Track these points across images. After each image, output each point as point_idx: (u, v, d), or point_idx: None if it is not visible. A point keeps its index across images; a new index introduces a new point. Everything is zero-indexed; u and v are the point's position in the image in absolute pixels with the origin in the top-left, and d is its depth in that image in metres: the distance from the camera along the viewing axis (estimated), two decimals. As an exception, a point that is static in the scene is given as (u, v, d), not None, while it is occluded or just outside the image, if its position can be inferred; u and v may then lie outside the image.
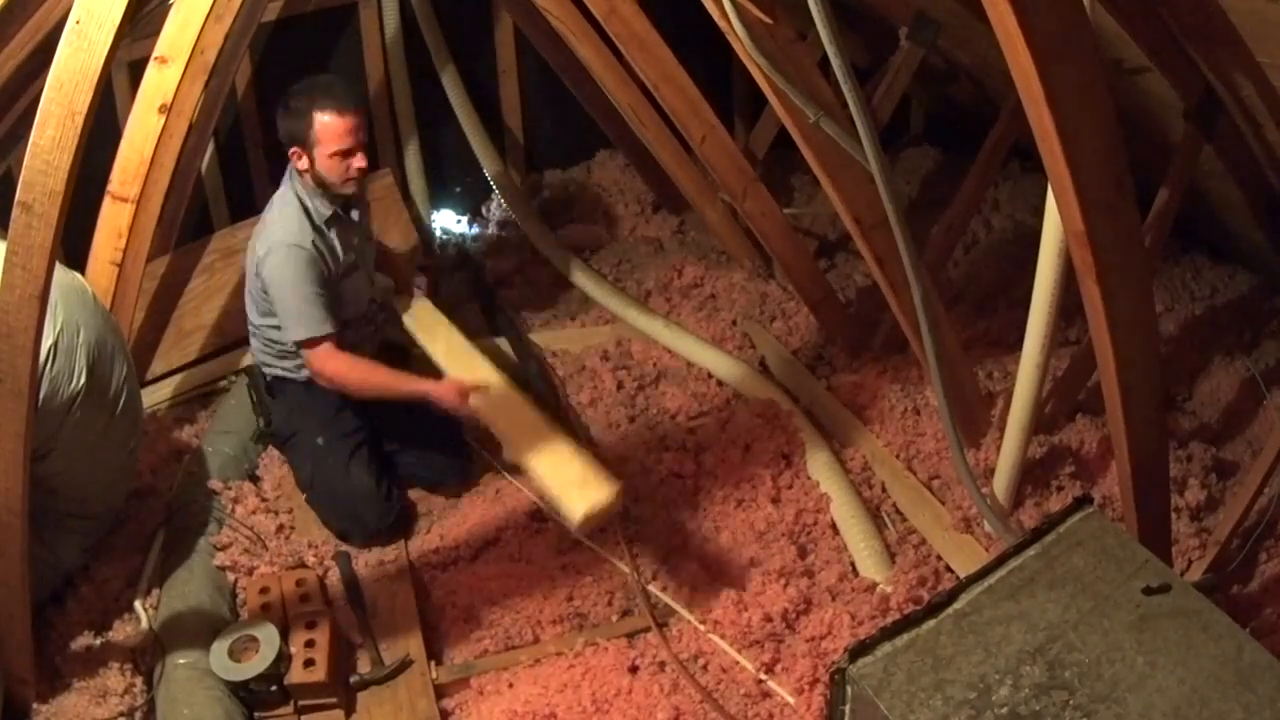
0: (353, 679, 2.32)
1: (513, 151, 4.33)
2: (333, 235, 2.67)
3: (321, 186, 2.61)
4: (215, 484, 2.72)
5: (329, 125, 2.53)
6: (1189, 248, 3.46)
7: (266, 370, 2.84)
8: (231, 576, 2.55)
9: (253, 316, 2.78)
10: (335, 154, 2.55)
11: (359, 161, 2.58)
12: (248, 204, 3.95)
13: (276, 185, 4.01)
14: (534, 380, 3.15)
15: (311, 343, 2.59)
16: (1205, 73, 2.33)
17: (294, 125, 2.56)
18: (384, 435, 2.83)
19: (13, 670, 2.16)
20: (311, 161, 2.57)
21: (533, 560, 2.61)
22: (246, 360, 3.12)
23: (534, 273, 3.84)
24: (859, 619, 2.35)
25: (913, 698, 1.55)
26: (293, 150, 2.59)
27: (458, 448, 2.89)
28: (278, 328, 2.66)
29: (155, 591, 2.47)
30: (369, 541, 2.68)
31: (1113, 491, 2.57)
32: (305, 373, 2.70)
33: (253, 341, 2.84)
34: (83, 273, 2.69)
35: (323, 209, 2.64)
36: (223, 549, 2.58)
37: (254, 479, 2.85)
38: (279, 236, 2.57)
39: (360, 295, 2.80)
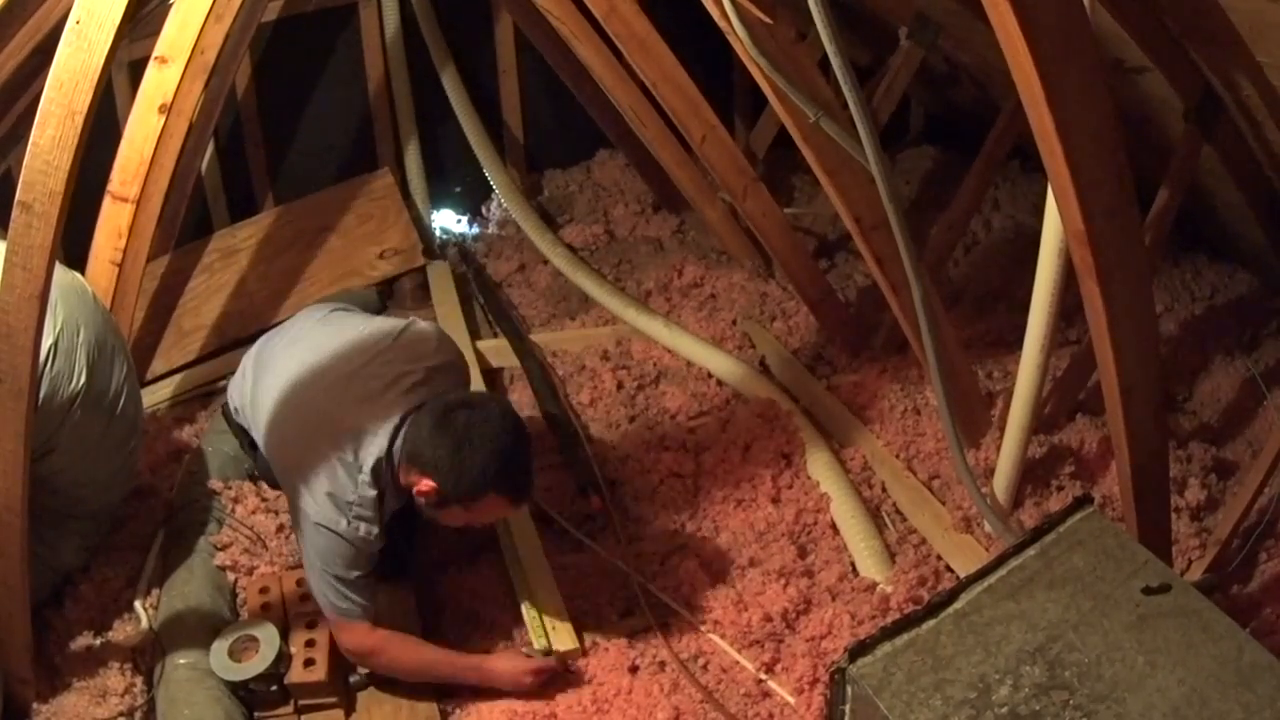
0: (353, 679, 2.31)
1: (513, 151, 4.33)
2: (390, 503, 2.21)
3: (390, 492, 2.16)
4: (215, 484, 2.72)
5: (496, 506, 2.14)
6: (1189, 248, 3.46)
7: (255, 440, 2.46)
8: (232, 576, 2.55)
9: (247, 419, 2.42)
10: (474, 524, 2.23)
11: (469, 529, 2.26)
12: (248, 204, 3.97)
13: (276, 184, 4.05)
14: (534, 380, 3.15)
15: (343, 622, 2.18)
16: (1205, 73, 2.33)
17: (452, 470, 2.05)
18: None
19: (13, 670, 2.16)
20: (440, 506, 2.12)
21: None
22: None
23: (534, 273, 3.84)
24: (859, 619, 2.35)
25: (913, 697, 1.55)
26: (428, 486, 2.07)
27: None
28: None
29: (155, 591, 2.47)
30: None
31: (1113, 491, 2.57)
32: None
33: (238, 416, 2.52)
34: (83, 273, 2.69)
35: (393, 504, 2.20)
36: (223, 549, 2.58)
37: (254, 479, 2.84)
38: (336, 522, 2.09)
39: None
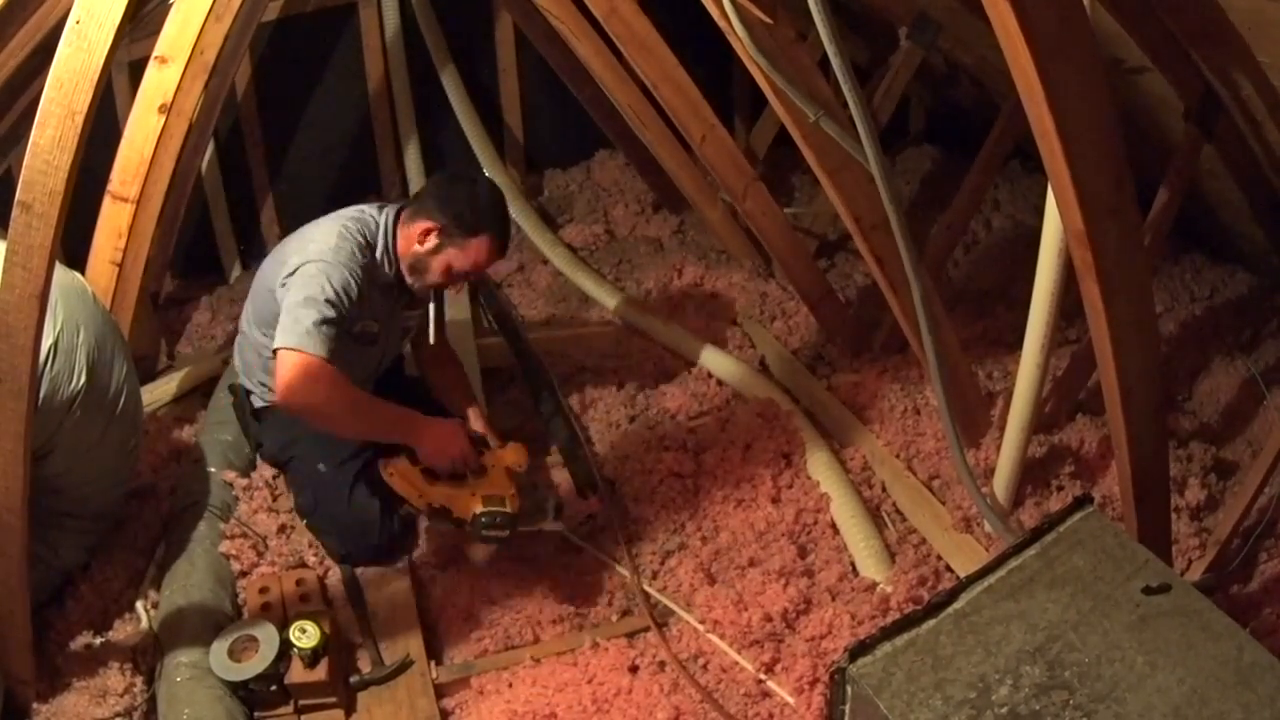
0: (353, 679, 2.31)
1: (513, 151, 4.33)
2: (374, 296, 2.46)
3: (410, 266, 2.46)
4: (228, 474, 2.71)
5: (483, 251, 2.42)
6: (1189, 248, 3.46)
7: (253, 396, 2.66)
8: (236, 566, 2.54)
9: (253, 333, 2.57)
10: (459, 271, 2.44)
11: (459, 284, 2.58)
12: (248, 204, 3.97)
13: (276, 184, 4.05)
14: (531, 380, 3.15)
15: (295, 353, 2.26)
16: (1205, 73, 2.33)
17: (455, 211, 2.39)
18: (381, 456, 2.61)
19: (13, 670, 2.16)
20: (435, 250, 2.42)
21: (533, 560, 2.61)
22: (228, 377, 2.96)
23: (534, 273, 3.84)
24: (859, 619, 2.35)
25: (913, 697, 1.55)
26: (425, 224, 2.40)
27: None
28: None
29: (154, 593, 2.46)
30: (372, 562, 2.62)
31: (1113, 491, 2.57)
32: None
33: (241, 359, 2.67)
34: (83, 273, 2.69)
35: (388, 270, 2.47)
36: (229, 538, 2.58)
37: (253, 467, 2.84)
38: (325, 255, 2.35)
39: (361, 374, 2.53)
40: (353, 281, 2.37)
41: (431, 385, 2.78)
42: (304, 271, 2.34)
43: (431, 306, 2.64)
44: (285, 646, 2.23)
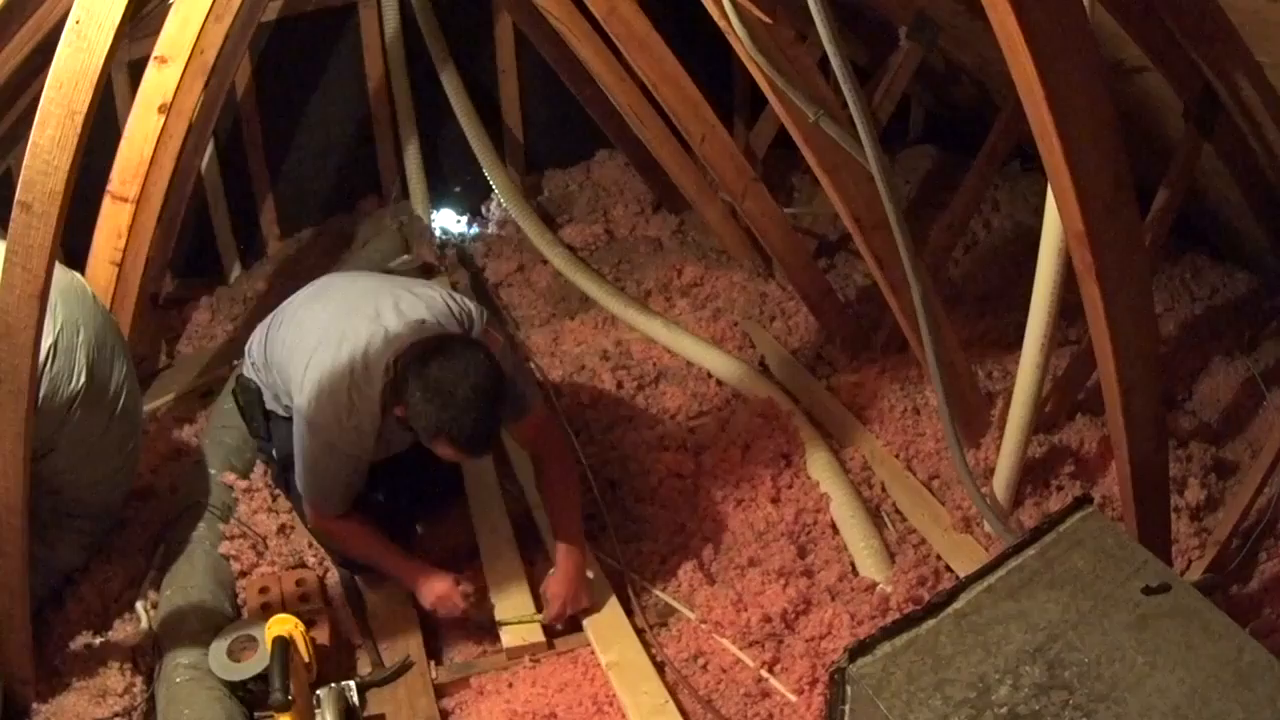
0: (354, 680, 2.31)
1: (513, 151, 4.33)
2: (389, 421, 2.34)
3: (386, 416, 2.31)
4: (228, 476, 2.71)
5: (448, 451, 2.24)
6: (1189, 248, 3.46)
7: (266, 395, 2.58)
8: (236, 567, 2.54)
9: (260, 370, 2.52)
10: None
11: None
12: (248, 203, 3.97)
13: (276, 184, 4.05)
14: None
15: (314, 506, 2.41)
16: (1205, 73, 2.33)
17: (419, 406, 2.17)
18: (380, 471, 2.55)
19: (13, 670, 2.15)
20: (409, 430, 2.26)
21: (532, 561, 2.61)
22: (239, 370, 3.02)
23: (534, 273, 3.84)
24: (859, 619, 2.35)
25: (912, 697, 1.55)
26: (401, 414, 2.24)
27: (455, 486, 2.80)
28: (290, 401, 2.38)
29: (154, 593, 2.46)
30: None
31: (1113, 491, 2.57)
32: None
33: (253, 371, 2.59)
34: (83, 273, 2.69)
35: (389, 429, 2.33)
36: (229, 539, 2.58)
37: (252, 469, 2.84)
38: (324, 417, 2.24)
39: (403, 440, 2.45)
40: (347, 449, 2.29)
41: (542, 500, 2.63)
42: (305, 426, 2.27)
43: None
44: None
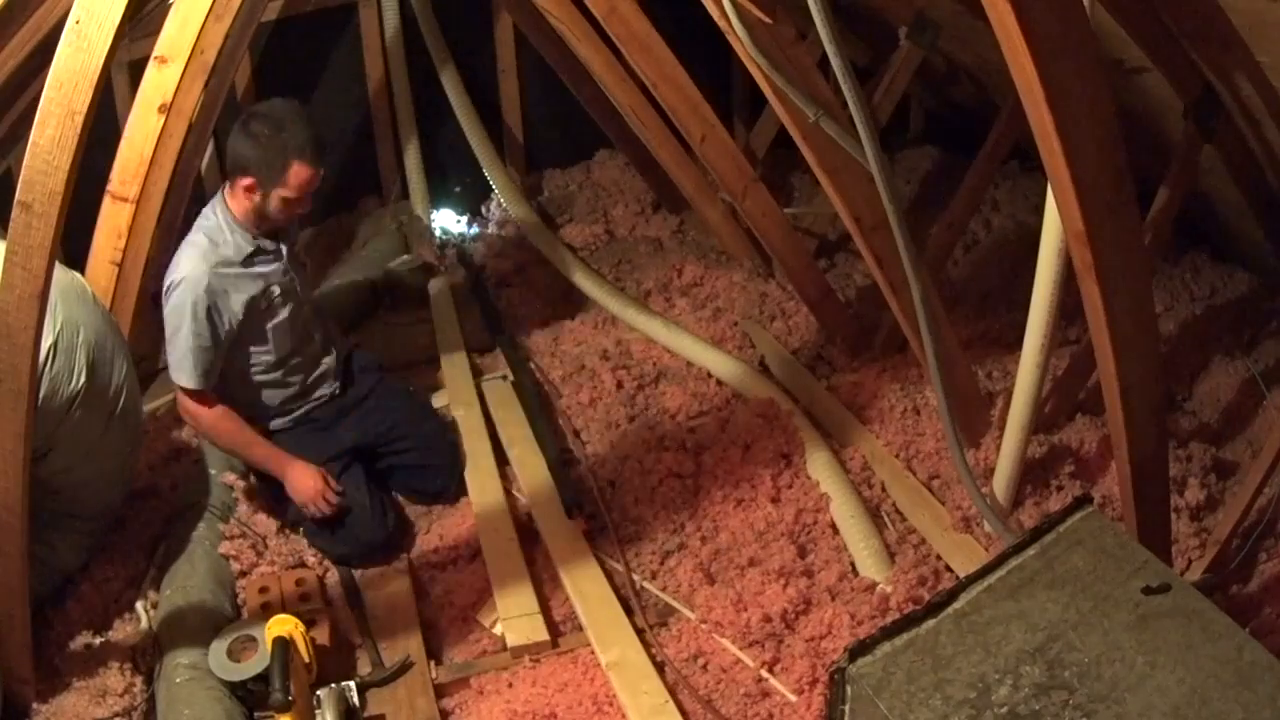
0: (354, 681, 2.31)
1: (513, 151, 4.33)
2: (256, 269, 2.56)
3: (257, 218, 2.53)
4: (229, 477, 2.71)
5: (302, 177, 2.45)
6: (1189, 248, 3.46)
7: None
8: (236, 567, 2.54)
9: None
10: (295, 199, 2.49)
11: (306, 205, 2.54)
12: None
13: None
14: (525, 386, 3.15)
15: (185, 391, 2.54)
16: (1205, 73, 2.33)
17: (259, 157, 2.43)
18: (376, 451, 2.79)
19: (13, 670, 2.16)
20: (264, 198, 2.48)
21: (532, 560, 2.61)
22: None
23: (534, 273, 3.84)
24: (859, 619, 2.35)
25: (912, 697, 1.55)
26: (245, 181, 2.46)
27: (454, 457, 2.87)
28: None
29: (155, 591, 2.47)
30: (370, 561, 2.64)
31: (1113, 491, 2.57)
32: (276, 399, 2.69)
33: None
34: (83, 273, 2.69)
35: (244, 244, 2.53)
36: (229, 539, 2.58)
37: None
38: (185, 271, 2.48)
39: (301, 329, 2.69)
40: (203, 296, 2.47)
41: None
42: (174, 296, 2.48)
43: None
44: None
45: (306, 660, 2.19)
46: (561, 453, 2.92)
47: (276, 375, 2.67)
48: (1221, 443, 2.81)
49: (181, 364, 2.50)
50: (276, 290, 2.60)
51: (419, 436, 2.83)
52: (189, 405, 2.56)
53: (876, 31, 3.51)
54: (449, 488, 2.84)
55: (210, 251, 2.49)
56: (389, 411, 2.82)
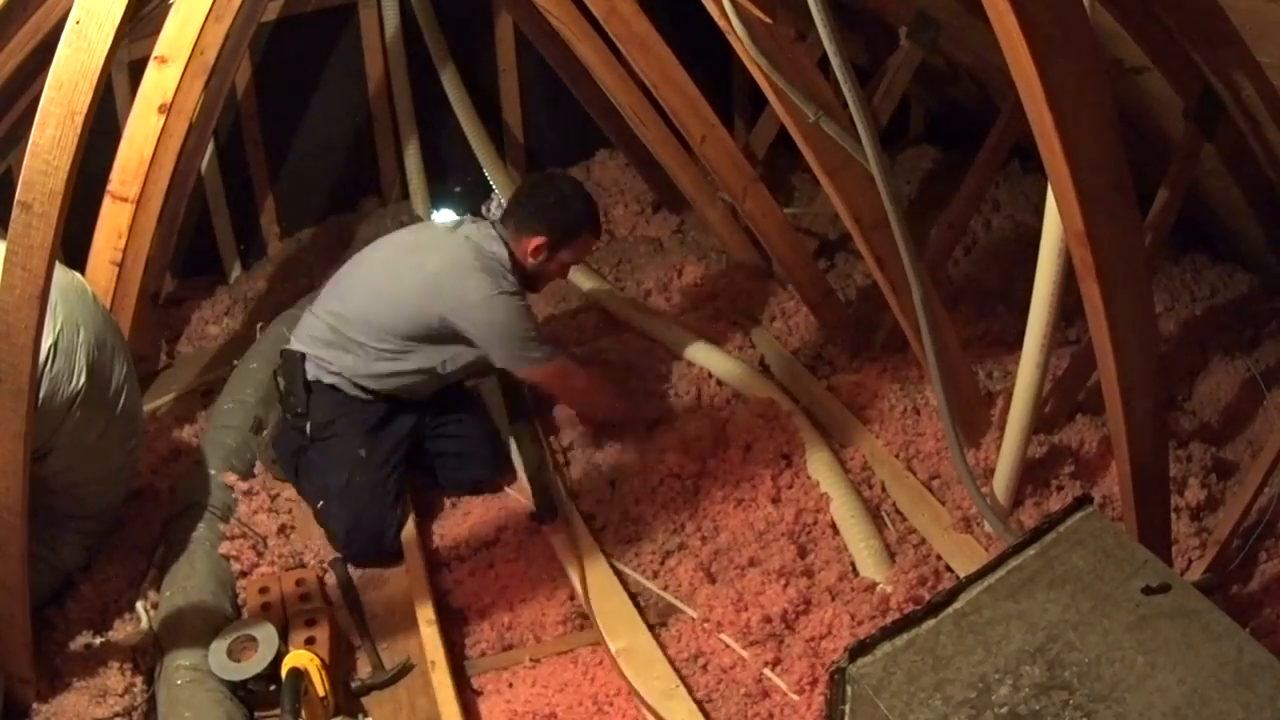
0: (354, 684, 2.31)
1: (513, 151, 4.33)
2: None
3: (525, 270, 2.77)
4: (229, 477, 2.71)
5: (588, 245, 2.89)
6: (1189, 248, 3.46)
7: (310, 365, 2.73)
8: (236, 567, 2.54)
9: (353, 331, 2.69)
10: (570, 264, 2.88)
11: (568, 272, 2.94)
12: (248, 203, 3.97)
13: (276, 184, 4.05)
14: (508, 399, 3.13)
15: (551, 367, 2.77)
16: (1205, 73, 2.33)
17: (564, 222, 2.74)
18: (428, 440, 2.84)
19: (13, 670, 2.16)
20: (549, 259, 2.76)
21: (533, 560, 2.61)
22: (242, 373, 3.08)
23: (534, 273, 3.84)
24: (859, 619, 2.35)
25: (912, 697, 1.55)
26: (536, 240, 2.72)
27: (497, 451, 2.92)
28: (406, 352, 2.69)
29: (155, 592, 2.47)
30: (371, 561, 2.64)
31: (1113, 491, 2.57)
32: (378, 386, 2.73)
33: (312, 335, 2.74)
34: (83, 273, 2.69)
35: (516, 285, 2.72)
36: (230, 539, 2.58)
37: (254, 469, 2.85)
38: (487, 289, 2.63)
39: (468, 366, 2.82)
40: (517, 286, 2.73)
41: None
42: (494, 306, 2.65)
43: None
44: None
45: (321, 694, 2.16)
46: (539, 460, 2.88)
47: (427, 377, 2.78)
48: (1221, 443, 2.81)
49: (535, 352, 2.72)
50: None
51: (464, 425, 2.88)
52: (573, 376, 2.88)
53: (876, 31, 3.51)
54: (490, 478, 2.87)
55: (502, 280, 2.68)
56: (440, 400, 2.86)
